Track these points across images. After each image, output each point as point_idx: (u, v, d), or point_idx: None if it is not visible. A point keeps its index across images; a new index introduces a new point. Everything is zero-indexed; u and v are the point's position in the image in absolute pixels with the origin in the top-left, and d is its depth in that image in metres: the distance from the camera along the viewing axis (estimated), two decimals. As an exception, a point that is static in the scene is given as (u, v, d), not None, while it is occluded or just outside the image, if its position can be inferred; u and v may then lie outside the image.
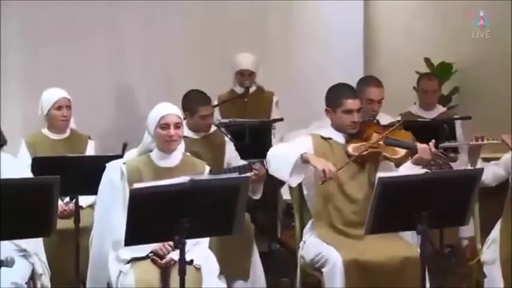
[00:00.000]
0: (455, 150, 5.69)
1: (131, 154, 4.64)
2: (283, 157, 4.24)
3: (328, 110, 4.42)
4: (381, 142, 4.30)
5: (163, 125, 4.08)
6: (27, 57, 6.49)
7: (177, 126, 4.11)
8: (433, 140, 4.27)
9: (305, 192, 4.42)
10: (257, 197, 4.83)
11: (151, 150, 4.18)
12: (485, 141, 4.45)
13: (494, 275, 4.33)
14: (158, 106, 4.17)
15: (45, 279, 4.00)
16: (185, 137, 5.05)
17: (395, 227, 3.92)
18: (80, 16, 6.59)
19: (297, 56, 7.30)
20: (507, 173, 4.43)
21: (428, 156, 4.17)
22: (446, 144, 4.38)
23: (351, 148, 4.31)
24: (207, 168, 4.27)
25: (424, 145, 4.21)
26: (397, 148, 4.29)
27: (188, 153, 4.39)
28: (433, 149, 4.22)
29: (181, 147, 4.23)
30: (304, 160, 4.17)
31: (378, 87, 5.10)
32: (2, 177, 3.64)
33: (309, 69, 7.23)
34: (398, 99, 5.92)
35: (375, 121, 4.60)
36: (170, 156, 4.16)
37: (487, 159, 4.62)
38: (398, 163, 4.24)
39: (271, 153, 4.34)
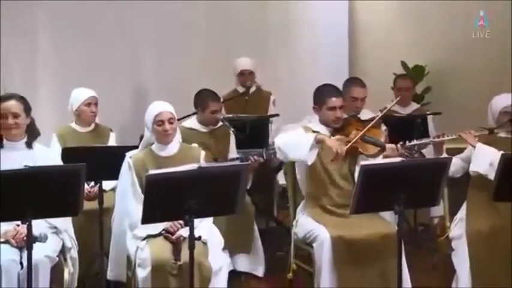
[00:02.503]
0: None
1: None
2: (297, 142, 4.18)
3: (315, 107, 4.43)
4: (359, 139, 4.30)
5: (159, 122, 4.09)
6: (57, 59, 6.48)
7: (171, 121, 4.12)
8: (401, 143, 4.30)
9: (298, 176, 4.42)
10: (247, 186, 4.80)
11: (152, 143, 4.20)
12: (445, 138, 4.46)
13: (460, 248, 4.34)
14: (152, 105, 4.18)
15: (74, 253, 3.99)
16: (194, 129, 5.09)
17: (376, 207, 3.93)
18: (100, 20, 6.58)
19: (291, 59, 7.29)
20: (468, 164, 4.44)
21: (395, 154, 4.19)
22: (413, 142, 4.38)
23: None
24: (203, 153, 4.28)
25: (392, 145, 4.25)
26: (371, 145, 4.29)
27: (194, 144, 4.40)
28: (400, 149, 4.25)
29: (177, 138, 4.23)
30: (318, 140, 4.13)
31: (361, 87, 5.13)
32: (37, 165, 3.65)
33: (301, 71, 7.22)
34: (378, 97, 5.92)
35: (356, 118, 4.61)
36: (168, 146, 4.17)
37: (451, 149, 4.62)
38: (371, 158, 4.24)
39: (282, 142, 4.25)
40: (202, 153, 4.27)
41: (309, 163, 4.20)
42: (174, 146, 4.19)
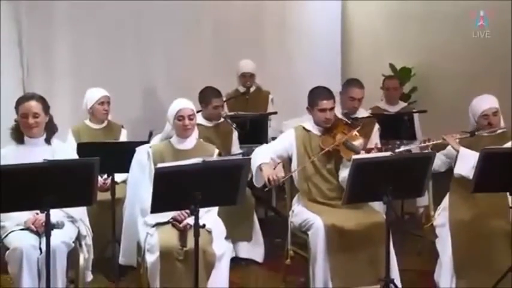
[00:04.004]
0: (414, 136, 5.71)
1: (156, 139, 4.66)
2: (253, 163, 4.26)
3: (308, 108, 4.44)
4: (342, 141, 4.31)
5: (180, 117, 4.11)
6: (73, 62, 6.46)
7: (191, 117, 4.13)
8: (376, 149, 4.33)
9: (293, 174, 4.43)
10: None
11: (171, 137, 4.21)
12: (431, 143, 4.46)
13: (444, 235, 4.35)
14: (175, 101, 4.19)
15: (89, 240, 3.99)
16: (200, 124, 5.10)
17: (366, 198, 3.96)
18: (113, 25, 6.55)
19: (289, 61, 7.29)
20: (452, 160, 4.46)
21: None
22: (402, 148, 4.38)
23: (321, 142, 4.34)
24: (216, 151, 4.29)
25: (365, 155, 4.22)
26: (350, 151, 4.29)
27: (201, 140, 4.41)
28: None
29: (195, 134, 4.25)
30: (260, 169, 4.23)
31: (359, 88, 5.16)
32: (55, 159, 3.66)
33: (297, 72, 7.23)
34: (368, 96, 5.94)
35: (346, 119, 4.62)
36: (186, 141, 4.18)
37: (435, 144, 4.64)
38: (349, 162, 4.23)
39: (252, 156, 4.33)
40: (216, 150, 4.29)
41: (257, 186, 4.33)
42: (192, 141, 4.21)
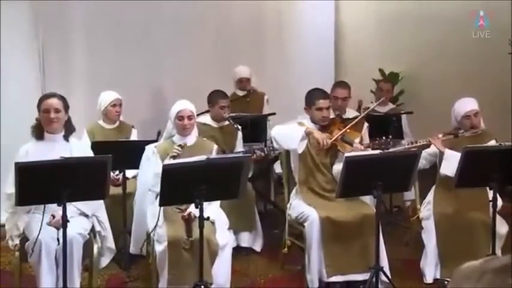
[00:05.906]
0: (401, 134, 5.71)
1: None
2: (290, 133, 4.27)
3: (306, 108, 4.46)
4: (339, 137, 4.33)
5: (180, 117, 4.16)
6: (88, 67, 6.43)
7: (190, 117, 4.17)
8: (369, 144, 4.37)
9: (292, 165, 4.44)
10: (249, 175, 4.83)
11: (173, 135, 4.26)
12: (417, 144, 4.46)
13: (429, 227, 4.36)
14: (177, 103, 4.25)
15: (103, 232, 4.00)
16: (207, 125, 5.12)
17: (358, 192, 3.97)
18: (123, 31, 6.49)
19: (286, 64, 7.26)
20: (435, 158, 4.47)
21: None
22: (391, 150, 4.37)
23: None
24: (215, 147, 4.32)
25: (361, 146, 4.30)
26: (347, 144, 4.31)
27: (205, 138, 4.42)
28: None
29: (194, 132, 4.28)
30: (307, 133, 4.23)
31: (342, 88, 5.26)
32: (72, 156, 3.67)
33: (294, 74, 7.19)
34: (359, 99, 5.94)
35: (339, 119, 4.64)
36: (187, 138, 4.22)
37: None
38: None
39: (277, 132, 4.34)
40: (215, 146, 4.32)
41: (299, 151, 4.27)
42: (192, 138, 4.24)
